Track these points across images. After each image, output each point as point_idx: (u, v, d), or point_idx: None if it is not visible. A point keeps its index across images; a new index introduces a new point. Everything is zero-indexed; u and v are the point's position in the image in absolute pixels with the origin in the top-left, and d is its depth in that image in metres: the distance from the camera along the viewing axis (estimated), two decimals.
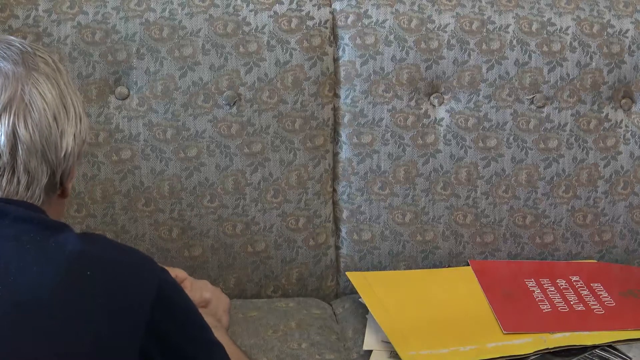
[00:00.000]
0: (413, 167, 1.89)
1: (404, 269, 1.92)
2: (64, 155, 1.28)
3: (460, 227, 1.92)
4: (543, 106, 1.90)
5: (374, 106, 1.87)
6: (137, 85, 1.81)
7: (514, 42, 1.88)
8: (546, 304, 1.78)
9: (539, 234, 1.94)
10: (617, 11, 1.91)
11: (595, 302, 1.79)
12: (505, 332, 1.70)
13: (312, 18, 1.85)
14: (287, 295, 1.91)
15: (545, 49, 1.88)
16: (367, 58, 1.86)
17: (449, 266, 1.92)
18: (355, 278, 1.85)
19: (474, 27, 1.88)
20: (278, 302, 1.86)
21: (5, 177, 1.25)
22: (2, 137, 1.24)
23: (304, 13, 1.85)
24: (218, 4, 1.83)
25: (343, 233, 1.92)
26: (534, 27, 1.89)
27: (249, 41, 1.83)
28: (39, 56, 1.30)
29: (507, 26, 1.88)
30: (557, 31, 1.89)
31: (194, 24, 1.82)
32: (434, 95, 1.89)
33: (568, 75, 1.89)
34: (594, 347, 1.68)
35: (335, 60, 1.87)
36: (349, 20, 1.87)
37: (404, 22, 1.87)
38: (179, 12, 1.82)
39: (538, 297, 1.81)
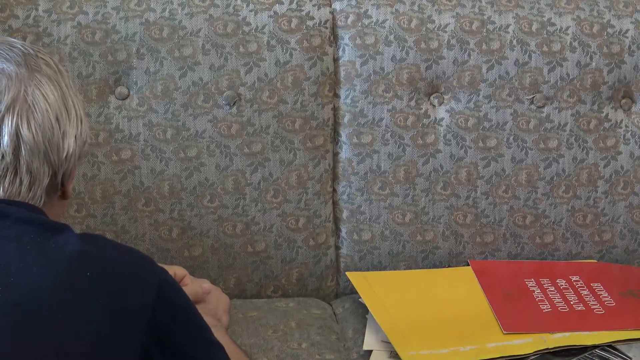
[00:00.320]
0: (413, 167, 1.89)
1: (404, 269, 1.92)
2: (66, 156, 1.28)
3: (460, 227, 1.92)
4: (543, 106, 1.90)
5: (374, 106, 1.87)
6: (137, 85, 1.81)
7: (514, 42, 1.88)
8: (546, 304, 1.78)
9: (539, 234, 1.94)
10: (617, 11, 1.91)
11: (595, 302, 1.79)
12: (505, 332, 1.70)
13: (312, 18, 1.85)
14: (287, 295, 1.91)
15: (545, 49, 1.88)
16: (367, 58, 1.86)
17: (449, 266, 1.92)
18: (355, 278, 1.85)
19: (474, 27, 1.88)
20: (278, 302, 1.86)
21: (8, 177, 1.25)
22: (6, 138, 1.24)
23: (304, 13, 1.85)
24: (218, 4, 1.83)
25: (343, 233, 1.92)
26: (534, 27, 1.89)
27: (249, 41, 1.83)
28: (41, 58, 1.30)
29: (507, 26, 1.88)
30: (557, 31, 1.89)
31: (194, 24, 1.81)
32: (434, 95, 1.89)
33: (568, 75, 1.89)
34: (594, 347, 1.68)
35: (335, 60, 1.87)
36: (349, 20, 1.87)
37: (404, 22, 1.87)
38: (179, 12, 1.82)
39: (538, 297, 1.81)
